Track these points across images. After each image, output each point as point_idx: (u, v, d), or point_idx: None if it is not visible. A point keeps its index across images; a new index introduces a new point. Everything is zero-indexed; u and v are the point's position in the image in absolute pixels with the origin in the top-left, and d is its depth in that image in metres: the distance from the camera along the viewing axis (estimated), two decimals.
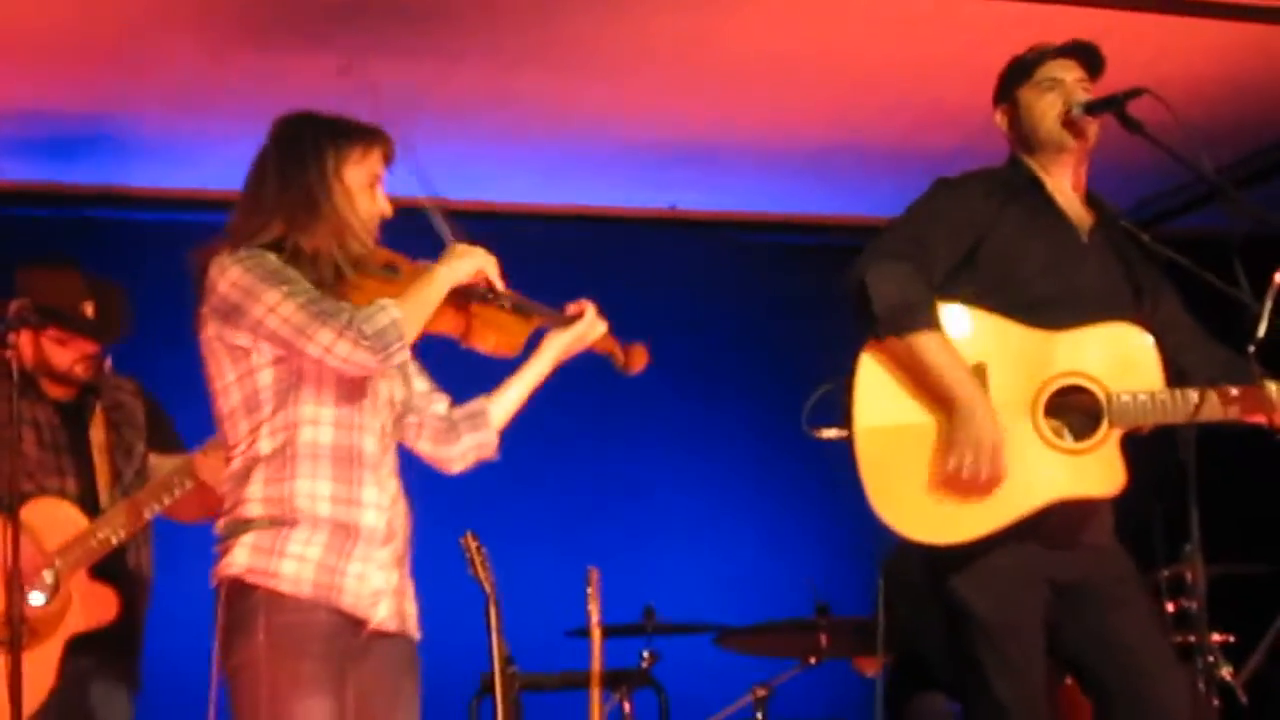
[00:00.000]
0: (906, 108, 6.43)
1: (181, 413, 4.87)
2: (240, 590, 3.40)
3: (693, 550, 7.28)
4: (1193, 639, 5.00)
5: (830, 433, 4.02)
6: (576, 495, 7.16)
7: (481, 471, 3.82)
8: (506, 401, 3.76)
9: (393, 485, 3.57)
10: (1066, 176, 4.09)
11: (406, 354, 3.47)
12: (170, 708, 4.76)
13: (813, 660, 5.82)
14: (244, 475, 3.46)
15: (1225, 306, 3.84)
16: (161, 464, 4.77)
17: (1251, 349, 3.76)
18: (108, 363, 4.80)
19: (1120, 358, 3.92)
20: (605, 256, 7.04)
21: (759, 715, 5.78)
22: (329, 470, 3.45)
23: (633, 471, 7.31)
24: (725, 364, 7.47)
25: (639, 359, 3.79)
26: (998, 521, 3.85)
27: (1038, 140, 4.07)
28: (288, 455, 3.43)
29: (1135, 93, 3.93)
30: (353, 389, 3.49)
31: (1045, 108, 4.05)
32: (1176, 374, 3.94)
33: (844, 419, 3.96)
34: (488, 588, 5.31)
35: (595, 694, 5.66)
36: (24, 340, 4.63)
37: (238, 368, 3.46)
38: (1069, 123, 4.02)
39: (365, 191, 3.56)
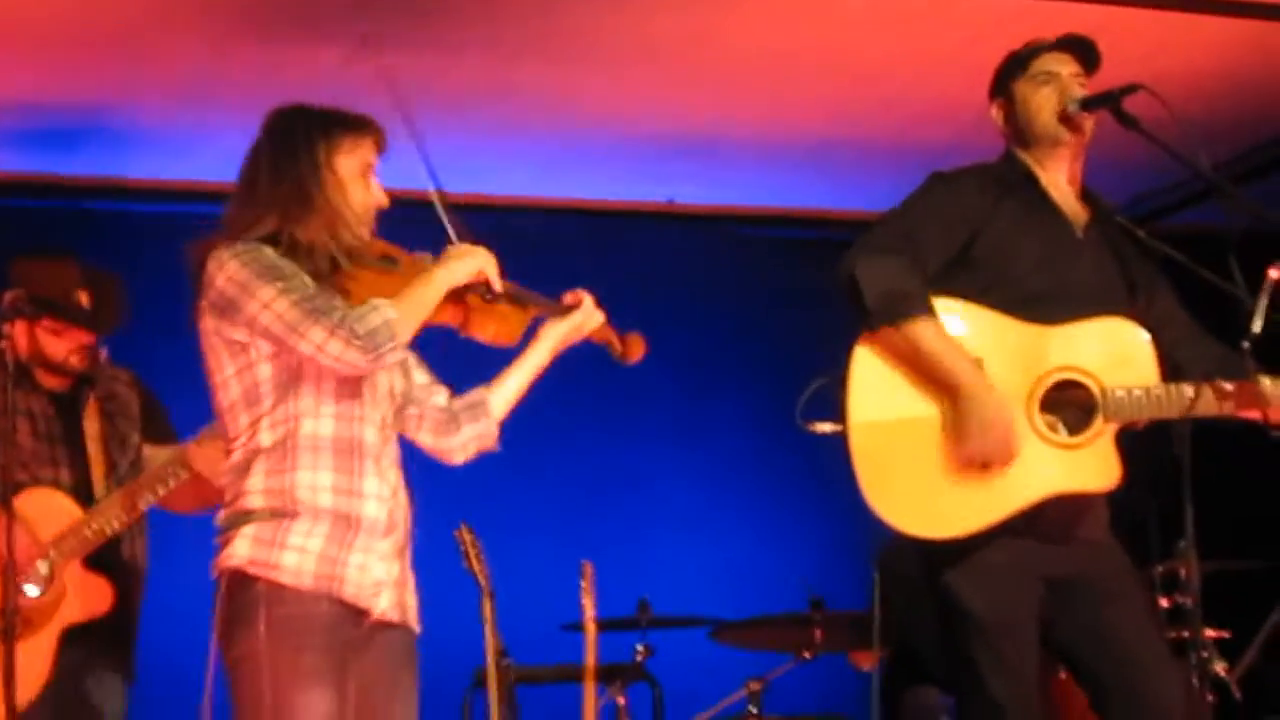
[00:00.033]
0: (905, 102, 6.43)
1: (178, 404, 4.87)
2: (241, 582, 3.41)
3: (688, 544, 7.28)
4: (1187, 635, 4.97)
5: (825, 427, 4.02)
6: (572, 488, 7.16)
7: (476, 464, 3.82)
8: (506, 392, 3.77)
9: (393, 476, 3.57)
10: (1062, 171, 4.09)
11: (399, 354, 3.48)
12: (165, 699, 4.77)
13: (807, 655, 5.82)
14: (244, 467, 3.46)
15: (1221, 302, 3.84)
16: (156, 455, 4.77)
17: (1246, 345, 3.77)
18: (103, 353, 4.80)
19: (1115, 353, 3.93)
20: (603, 250, 7.03)
21: (753, 709, 5.77)
22: (330, 461, 3.45)
23: (628, 465, 7.30)
24: (722, 358, 7.47)
25: (636, 348, 3.80)
26: (993, 516, 3.85)
27: (1033, 134, 4.07)
28: (288, 448, 3.44)
29: (1132, 88, 3.93)
30: (353, 381, 3.49)
31: (1041, 101, 4.05)
32: (1172, 369, 3.95)
33: (839, 413, 3.96)
34: (482, 581, 5.31)
35: (590, 688, 5.66)
36: (19, 331, 4.63)
37: (236, 362, 3.46)
38: (1065, 118, 4.02)
39: (358, 181, 3.56)
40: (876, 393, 3.94)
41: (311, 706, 3.35)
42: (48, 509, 4.58)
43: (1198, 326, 4.14)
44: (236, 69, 5.86)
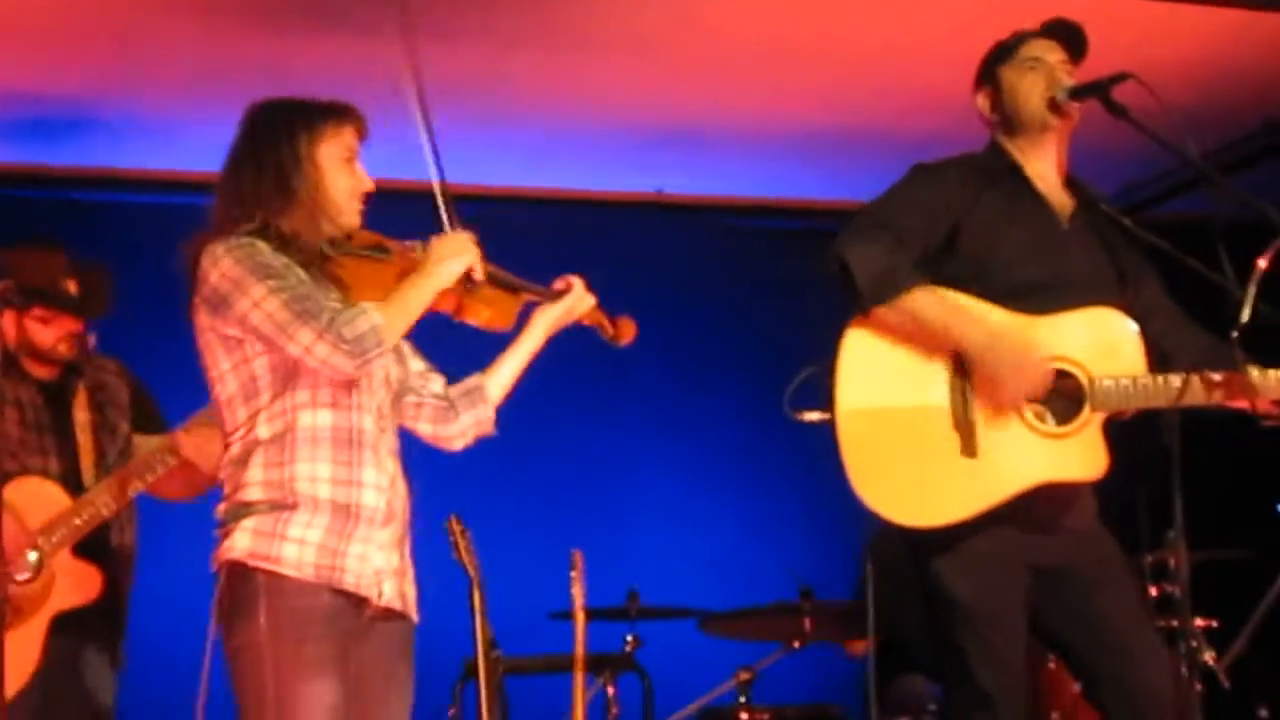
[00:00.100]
0: (895, 92, 6.43)
1: (168, 393, 4.87)
2: (242, 574, 3.42)
3: (676, 533, 7.28)
4: (1176, 624, 5.00)
5: (813, 416, 4.02)
6: (561, 478, 7.16)
7: (466, 454, 3.84)
8: (501, 377, 3.81)
9: (391, 466, 3.59)
10: (1048, 159, 4.08)
11: (387, 359, 3.49)
12: (156, 686, 4.78)
13: (796, 644, 5.83)
14: (243, 460, 3.48)
15: (1209, 292, 3.84)
16: (145, 444, 4.77)
17: (1235, 334, 3.76)
18: (91, 340, 4.79)
19: (1103, 342, 3.93)
20: (592, 240, 7.03)
21: (742, 699, 5.77)
22: (328, 453, 3.46)
23: (617, 455, 7.31)
24: (711, 348, 7.48)
25: (627, 330, 3.84)
26: (980, 504, 3.85)
27: (1020, 121, 4.07)
28: (287, 440, 3.45)
29: (1120, 77, 3.92)
30: None
31: (1028, 87, 4.04)
32: (1159, 359, 3.94)
33: (826, 402, 3.96)
34: (472, 571, 5.30)
35: (579, 678, 5.65)
36: (7, 320, 4.65)
37: (232, 356, 3.48)
38: (1054, 105, 4.02)
39: (342, 168, 3.58)
40: (865, 381, 3.94)
41: (315, 697, 3.36)
42: (37, 498, 4.58)
43: (1185, 316, 4.14)
44: (229, 59, 5.85)
